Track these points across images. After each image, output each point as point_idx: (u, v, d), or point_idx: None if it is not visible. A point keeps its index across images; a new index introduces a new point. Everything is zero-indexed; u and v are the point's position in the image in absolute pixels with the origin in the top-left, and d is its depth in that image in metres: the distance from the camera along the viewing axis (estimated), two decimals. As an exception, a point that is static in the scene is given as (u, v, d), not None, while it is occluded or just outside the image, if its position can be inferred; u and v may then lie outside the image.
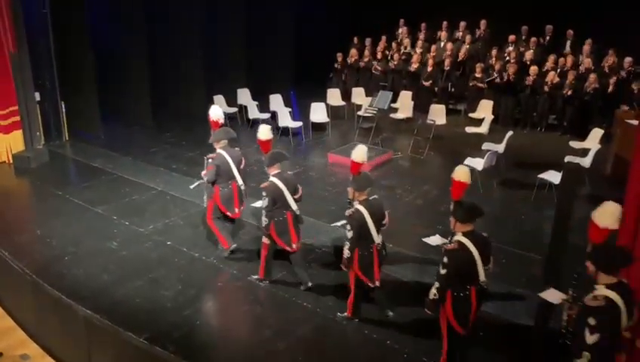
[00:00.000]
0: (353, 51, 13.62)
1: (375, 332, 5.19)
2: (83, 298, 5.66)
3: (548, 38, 12.48)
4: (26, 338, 6.33)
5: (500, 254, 6.41)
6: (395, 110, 11.73)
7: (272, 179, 5.57)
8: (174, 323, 5.38)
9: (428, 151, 10.14)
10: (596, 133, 9.45)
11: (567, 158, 8.52)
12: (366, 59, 13.45)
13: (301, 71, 14.10)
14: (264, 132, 6.03)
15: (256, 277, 6.00)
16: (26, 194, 8.76)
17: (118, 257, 6.59)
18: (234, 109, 11.97)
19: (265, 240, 5.78)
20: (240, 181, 6.30)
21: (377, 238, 5.07)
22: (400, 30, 14.25)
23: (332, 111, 11.91)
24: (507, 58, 12.10)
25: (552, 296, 4.25)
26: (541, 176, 8.09)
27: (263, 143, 6.02)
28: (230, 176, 6.22)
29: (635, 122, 8.12)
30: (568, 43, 12.12)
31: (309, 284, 5.78)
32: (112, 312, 5.45)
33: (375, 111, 10.92)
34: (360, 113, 11.54)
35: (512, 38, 12.44)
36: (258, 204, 5.89)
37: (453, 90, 12.59)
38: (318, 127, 11.43)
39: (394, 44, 13.90)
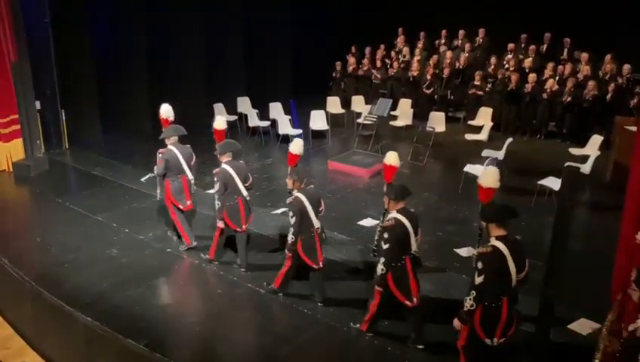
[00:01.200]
0: (352, 59, 13.69)
1: (376, 339, 5.17)
2: (82, 305, 5.64)
3: (546, 45, 12.55)
4: (25, 346, 6.29)
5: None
6: (395, 118, 11.76)
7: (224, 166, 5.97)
8: (174, 330, 5.37)
9: (428, 159, 10.15)
10: (596, 140, 9.47)
11: (567, 165, 8.52)
12: (365, 68, 13.51)
13: (301, 79, 14.14)
14: (219, 123, 6.66)
15: (205, 257, 6.40)
16: (26, 202, 8.75)
17: (118, 264, 6.58)
18: (234, 117, 11.99)
19: (219, 224, 6.21)
20: (190, 175, 6.66)
21: (317, 223, 5.47)
22: (399, 39, 14.33)
23: (332, 119, 11.95)
24: (506, 66, 12.16)
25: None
26: (541, 182, 8.11)
27: (216, 132, 6.60)
28: (180, 170, 6.58)
29: (634, 129, 8.15)
30: (565, 51, 12.20)
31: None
32: (111, 319, 5.42)
33: (375, 119, 10.96)
34: (360, 121, 11.57)
35: (511, 46, 12.51)
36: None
37: (452, 97, 12.62)
38: (318, 135, 11.46)
39: (393, 53, 13.97)
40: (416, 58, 13.18)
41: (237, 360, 5.02)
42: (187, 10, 11.98)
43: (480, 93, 11.91)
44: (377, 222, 5.69)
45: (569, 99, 10.76)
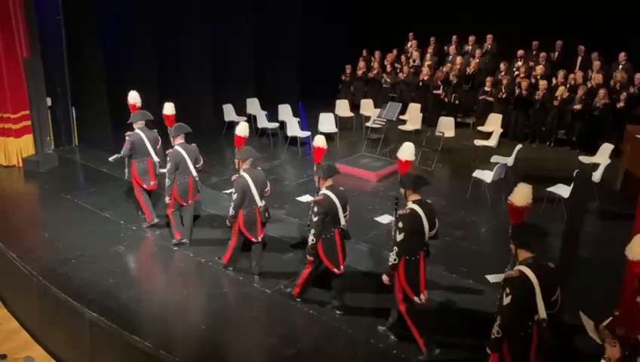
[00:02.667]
0: (361, 63, 13.69)
1: (382, 342, 5.14)
2: (88, 301, 5.66)
3: (557, 53, 12.50)
4: (30, 341, 6.32)
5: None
6: (404, 122, 11.73)
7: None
8: (179, 328, 5.37)
9: (436, 164, 10.11)
10: (606, 148, 9.40)
11: (576, 172, 8.47)
12: (375, 71, 13.51)
13: (310, 82, 14.16)
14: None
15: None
16: (35, 197, 8.80)
17: (125, 261, 6.60)
18: (243, 118, 12.01)
19: (167, 200, 6.71)
20: (155, 158, 7.19)
21: (259, 202, 5.97)
22: (409, 43, 14.33)
23: (340, 122, 11.94)
24: (516, 73, 12.12)
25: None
26: (550, 189, 8.05)
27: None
28: (145, 152, 7.12)
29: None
30: (579, 59, 12.14)
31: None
32: (117, 316, 5.44)
33: (383, 123, 10.93)
34: (368, 124, 11.56)
35: (520, 52, 12.47)
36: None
37: (456, 102, 12.53)
38: (327, 138, 11.28)
39: (403, 57, 13.97)
40: (426, 63, 13.16)
41: (241, 359, 5.01)
42: (197, 11, 12.03)
43: (490, 99, 11.87)
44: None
45: (579, 106, 10.69)
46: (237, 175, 6.07)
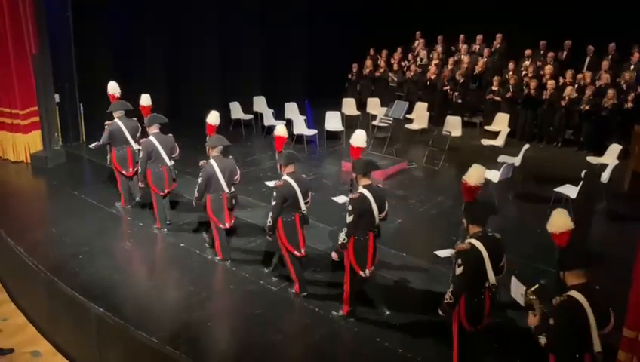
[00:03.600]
0: (368, 62, 13.67)
1: (387, 341, 5.13)
2: (95, 296, 5.67)
3: (566, 53, 12.44)
4: (37, 335, 6.37)
5: (514, 266, 6.35)
6: (410, 121, 11.71)
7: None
8: (185, 324, 5.37)
9: (443, 163, 10.09)
10: (614, 149, 9.34)
11: (585, 171, 8.43)
12: (382, 70, 13.48)
13: (317, 80, 14.15)
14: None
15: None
16: (43, 193, 8.84)
17: (131, 257, 6.63)
18: (249, 116, 12.03)
19: (141, 184, 7.08)
20: (134, 146, 7.46)
21: (226, 189, 6.21)
22: (416, 42, 14.30)
23: (347, 120, 11.92)
24: (524, 72, 12.07)
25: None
26: (557, 189, 8.01)
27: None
28: (124, 141, 7.44)
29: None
30: (587, 59, 12.07)
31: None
32: (123, 311, 5.46)
33: (390, 121, 10.91)
34: (375, 123, 11.54)
35: (527, 52, 12.42)
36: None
37: (459, 101, 12.47)
38: (333, 136, 11.44)
39: (410, 56, 13.94)
40: (434, 62, 13.13)
41: (247, 357, 5.01)
42: (206, 9, 12.05)
43: (497, 98, 11.83)
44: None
45: (587, 107, 10.63)
46: (205, 161, 6.38)
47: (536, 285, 3.82)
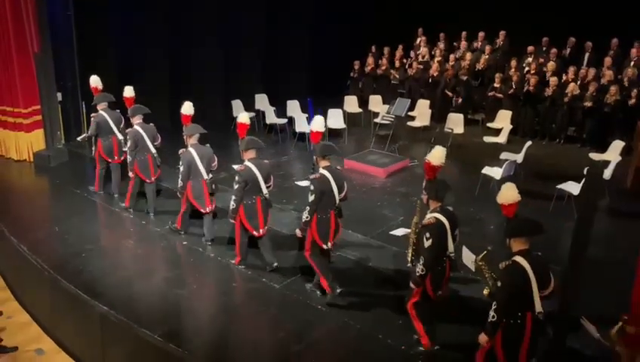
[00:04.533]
0: (370, 59, 13.65)
1: (389, 337, 5.14)
2: (98, 294, 5.70)
3: (569, 49, 12.40)
4: (41, 333, 6.39)
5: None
6: (412, 118, 11.70)
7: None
8: (188, 322, 5.40)
9: (445, 160, 10.04)
10: (617, 146, 9.32)
11: (587, 169, 8.42)
12: (384, 67, 13.47)
13: (319, 78, 14.14)
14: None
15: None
16: (45, 191, 8.87)
17: (134, 255, 6.64)
18: (251, 114, 12.01)
19: (131, 174, 7.30)
20: (119, 136, 7.81)
21: (205, 175, 6.60)
22: (418, 40, 14.27)
23: (349, 118, 11.92)
24: (527, 69, 12.04)
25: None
26: (560, 186, 8.00)
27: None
28: (110, 131, 7.81)
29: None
30: (587, 55, 12.04)
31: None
32: (126, 309, 5.48)
33: (392, 119, 10.90)
34: (377, 120, 11.53)
35: (530, 49, 12.38)
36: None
37: (459, 100, 12.45)
38: (335, 134, 11.42)
39: (412, 53, 13.92)
40: (436, 59, 13.11)
41: (249, 354, 5.03)
42: (208, 7, 12.03)
43: (500, 95, 11.81)
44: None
45: (590, 104, 10.60)
46: (183, 149, 6.69)
47: (484, 252, 4.49)
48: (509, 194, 4.65)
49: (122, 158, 7.87)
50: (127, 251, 6.73)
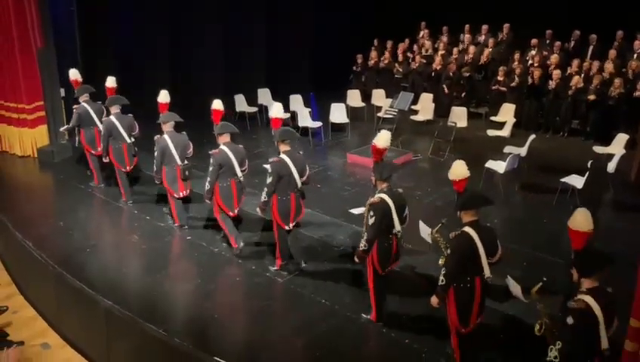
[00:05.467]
0: (373, 53, 13.61)
1: (393, 331, 5.16)
2: (103, 289, 5.72)
3: (573, 42, 12.33)
4: (46, 328, 6.43)
5: (521, 258, 6.36)
6: (416, 112, 11.67)
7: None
8: (193, 316, 5.43)
9: (448, 154, 10.05)
10: (621, 139, 9.29)
11: (591, 162, 8.39)
12: (386, 61, 13.42)
13: (321, 72, 14.12)
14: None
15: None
16: (49, 187, 8.89)
17: (139, 250, 6.67)
18: (254, 109, 12.03)
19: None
20: (101, 127, 7.90)
21: (179, 161, 6.83)
22: (421, 33, 14.22)
23: (352, 112, 11.90)
24: (530, 62, 11.99)
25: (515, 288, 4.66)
26: (564, 180, 7.98)
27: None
28: (92, 122, 8.02)
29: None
30: (591, 48, 11.98)
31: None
32: (131, 304, 5.50)
33: (395, 113, 10.88)
34: (380, 114, 11.51)
35: (534, 41, 12.32)
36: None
37: (464, 95, 12.40)
38: (338, 128, 11.42)
39: (415, 47, 13.87)
40: (439, 52, 13.06)
41: (255, 348, 5.05)
42: (209, 1, 12.01)
43: (503, 89, 11.77)
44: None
45: (594, 97, 10.56)
46: (158, 135, 6.91)
47: (439, 225, 4.81)
48: (459, 170, 5.03)
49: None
50: (131, 246, 6.75)
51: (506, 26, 13.11)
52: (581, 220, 4.33)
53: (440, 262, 4.68)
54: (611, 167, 8.24)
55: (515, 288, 4.55)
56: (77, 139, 8.37)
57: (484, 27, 13.39)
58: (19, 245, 6.79)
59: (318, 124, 11.04)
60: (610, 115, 10.53)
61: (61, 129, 8.79)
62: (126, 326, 5.36)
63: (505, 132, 10.41)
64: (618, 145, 9.18)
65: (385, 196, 4.93)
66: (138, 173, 8.48)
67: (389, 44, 13.83)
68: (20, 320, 6.55)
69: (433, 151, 10.17)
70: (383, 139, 5.58)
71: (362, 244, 4.97)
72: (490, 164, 8.59)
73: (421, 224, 5.24)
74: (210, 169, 6.17)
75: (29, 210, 7.70)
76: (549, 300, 3.94)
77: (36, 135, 9.59)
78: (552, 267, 6.23)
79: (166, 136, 6.82)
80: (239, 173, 6.32)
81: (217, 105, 7.16)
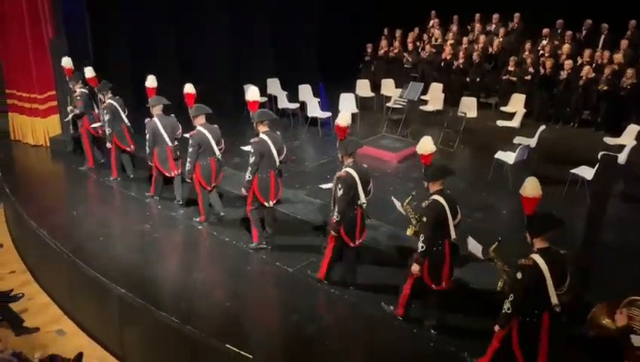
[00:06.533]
0: (383, 42, 13.55)
1: (402, 322, 5.21)
2: (116, 277, 5.82)
3: (585, 32, 12.21)
4: (61, 315, 6.57)
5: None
6: (425, 102, 11.64)
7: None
8: (204, 305, 5.50)
9: (458, 145, 10.04)
10: (632, 130, 9.21)
11: (602, 154, 8.34)
12: (396, 50, 13.37)
13: (330, 62, 14.09)
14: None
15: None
16: (62, 176, 9.01)
17: (151, 239, 6.76)
18: (263, 99, 12.00)
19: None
20: (96, 111, 8.55)
21: (169, 142, 7.28)
22: (431, 22, 14.13)
23: (361, 102, 11.89)
24: (541, 52, 11.89)
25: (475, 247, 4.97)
26: (573, 171, 7.96)
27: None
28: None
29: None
30: (602, 38, 11.85)
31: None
32: (144, 292, 5.59)
33: (405, 103, 10.85)
34: (389, 104, 11.49)
35: (545, 31, 12.19)
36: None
37: (478, 79, 12.34)
38: (347, 118, 11.40)
39: (425, 36, 13.79)
40: (449, 42, 12.98)
41: (264, 336, 5.13)
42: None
43: (513, 79, 11.70)
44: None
45: (605, 87, 10.47)
46: (149, 118, 7.28)
47: (409, 197, 5.32)
48: (427, 145, 5.32)
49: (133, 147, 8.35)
50: (143, 235, 6.84)
51: (517, 15, 12.99)
52: (531, 188, 4.63)
53: (408, 232, 5.19)
54: (622, 158, 8.18)
55: (475, 248, 4.92)
56: (79, 123, 8.68)
57: (495, 16, 13.27)
58: (34, 234, 6.91)
59: (328, 114, 11.05)
60: (621, 106, 10.45)
61: (65, 119, 9.07)
62: (139, 314, 5.47)
63: (515, 122, 10.37)
64: (629, 137, 9.11)
65: (351, 170, 5.35)
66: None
67: (399, 33, 13.76)
68: (35, 306, 6.70)
69: (443, 142, 10.16)
70: (344, 118, 5.96)
71: (335, 216, 5.35)
72: (500, 155, 8.57)
73: (393, 199, 5.66)
74: (190, 150, 6.58)
75: (43, 199, 7.83)
76: (506, 259, 4.39)
77: (48, 124, 9.71)
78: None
79: (155, 119, 7.21)
80: (217, 152, 6.74)
81: (189, 88, 7.46)
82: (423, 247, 4.76)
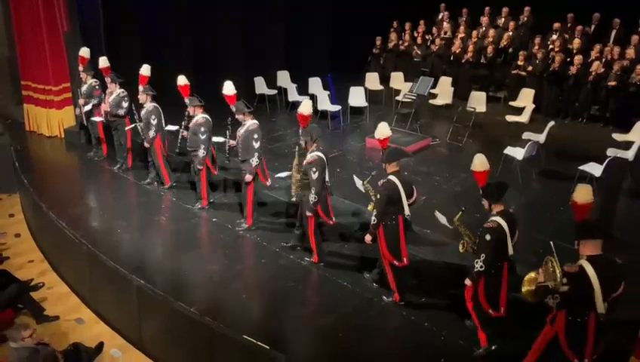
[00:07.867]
0: (393, 35, 13.58)
1: (413, 315, 5.37)
2: (134, 268, 5.97)
3: (594, 26, 12.20)
4: (80, 304, 6.73)
5: (537, 245, 6.48)
6: (435, 96, 11.70)
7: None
8: (221, 296, 5.65)
9: (467, 139, 10.12)
10: (641, 126, 9.28)
11: (610, 151, 8.42)
12: (406, 44, 13.40)
13: (340, 54, 14.14)
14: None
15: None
16: (77, 168, 9.13)
17: (167, 231, 6.92)
18: (273, 91, 12.14)
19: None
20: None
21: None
22: (441, 15, 14.13)
23: (370, 95, 11.96)
24: (551, 46, 11.91)
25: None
26: (582, 167, 8.03)
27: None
28: (101, 98, 8.67)
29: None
30: (614, 33, 11.84)
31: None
32: (162, 283, 5.75)
33: (414, 97, 10.92)
34: (399, 98, 11.56)
35: (556, 25, 12.19)
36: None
37: (489, 73, 12.38)
38: (356, 111, 11.51)
39: (434, 29, 13.81)
40: (459, 35, 13.00)
41: (280, 328, 5.28)
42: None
43: (523, 73, 11.74)
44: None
45: (614, 83, 10.51)
46: (154, 104, 7.74)
47: (369, 177, 5.83)
48: (384, 130, 5.94)
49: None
50: (160, 228, 7.01)
51: (527, 8, 12.99)
52: (479, 163, 5.35)
53: (369, 208, 5.61)
54: (630, 154, 8.27)
55: (442, 218, 5.38)
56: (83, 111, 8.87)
57: (505, 10, 13.27)
58: (52, 225, 7.06)
59: (337, 107, 11.13)
60: (630, 102, 10.48)
61: (76, 113, 9.34)
62: (157, 305, 5.62)
63: (524, 118, 10.43)
64: (638, 133, 9.18)
65: (320, 153, 5.95)
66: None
67: (408, 26, 13.78)
68: (55, 295, 6.88)
69: (452, 136, 10.24)
70: (306, 106, 6.54)
71: (312, 198, 5.83)
72: (509, 151, 8.65)
73: (355, 178, 6.09)
74: (203, 137, 7.06)
75: (61, 191, 7.96)
76: (468, 224, 5.14)
77: (63, 116, 9.84)
78: (569, 254, 6.35)
79: (155, 104, 7.75)
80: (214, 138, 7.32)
81: (182, 80, 7.70)
82: (374, 221, 5.34)
